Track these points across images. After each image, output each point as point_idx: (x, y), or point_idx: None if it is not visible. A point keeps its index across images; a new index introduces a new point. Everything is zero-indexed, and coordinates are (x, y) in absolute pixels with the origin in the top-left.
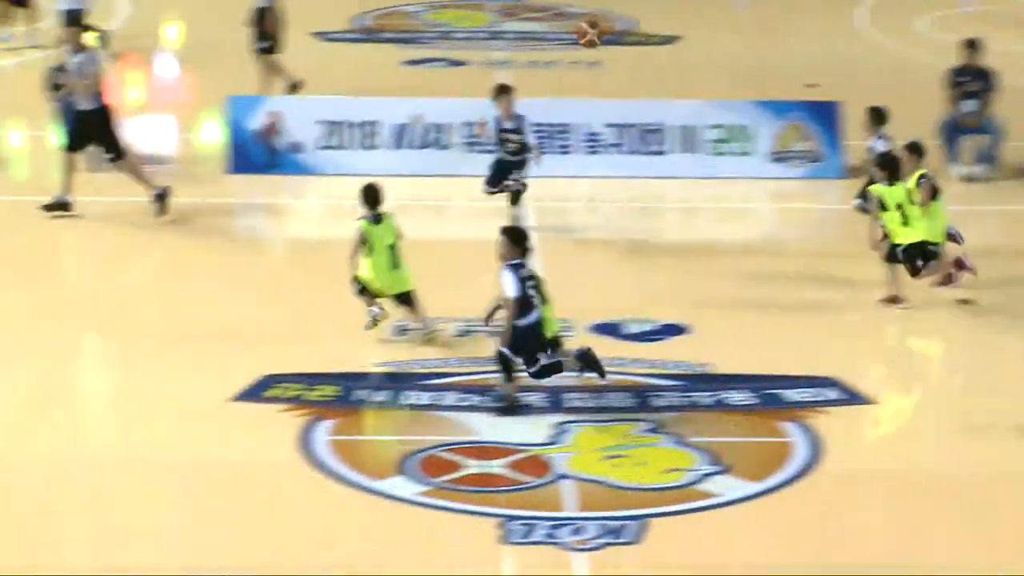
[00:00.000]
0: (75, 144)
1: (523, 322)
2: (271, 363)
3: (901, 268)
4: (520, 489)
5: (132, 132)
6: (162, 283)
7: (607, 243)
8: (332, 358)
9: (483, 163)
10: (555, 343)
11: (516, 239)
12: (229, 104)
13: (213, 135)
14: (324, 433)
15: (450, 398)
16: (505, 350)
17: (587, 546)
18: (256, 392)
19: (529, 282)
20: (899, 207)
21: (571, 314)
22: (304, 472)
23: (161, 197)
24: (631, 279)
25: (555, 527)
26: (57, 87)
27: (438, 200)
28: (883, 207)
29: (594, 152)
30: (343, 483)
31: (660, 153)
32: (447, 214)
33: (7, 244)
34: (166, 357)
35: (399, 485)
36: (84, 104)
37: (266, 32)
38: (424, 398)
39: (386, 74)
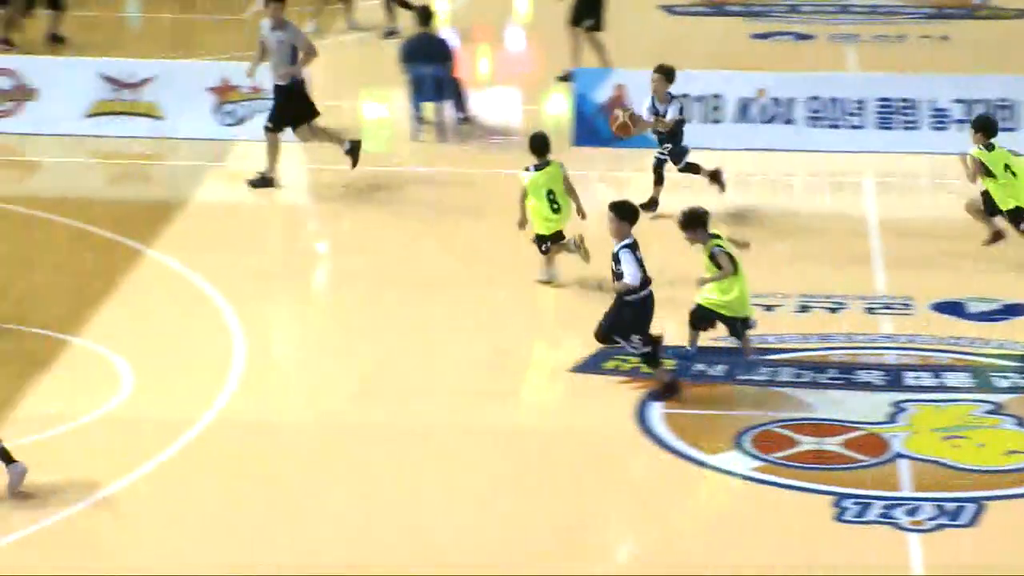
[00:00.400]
0: (278, 122)
1: (636, 297)
2: None
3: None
4: (856, 467)
5: (480, 103)
6: (500, 252)
7: (951, 221)
8: (668, 332)
9: (827, 138)
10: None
11: (625, 215)
12: (575, 76)
13: (559, 108)
14: (660, 406)
15: (786, 374)
16: (638, 346)
17: (923, 527)
18: (595, 363)
19: (641, 258)
20: (1007, 168)
21: (913, 292)
22: (641, 445)
23: (265, 182)
24: (974, 258)
25: (890, 507)
26: (408, 60)
27: (781, 175)
28: (987, 172)
29: (941, 128)
30: (678, 456)
31: (1010, 130)
32: (790, 189)
33: (353, 214)
34: (506, 328)
35: (733, 460)
36: (281, 79)
37: (593, 8)
38: (761, 373)
39: (733, 47)
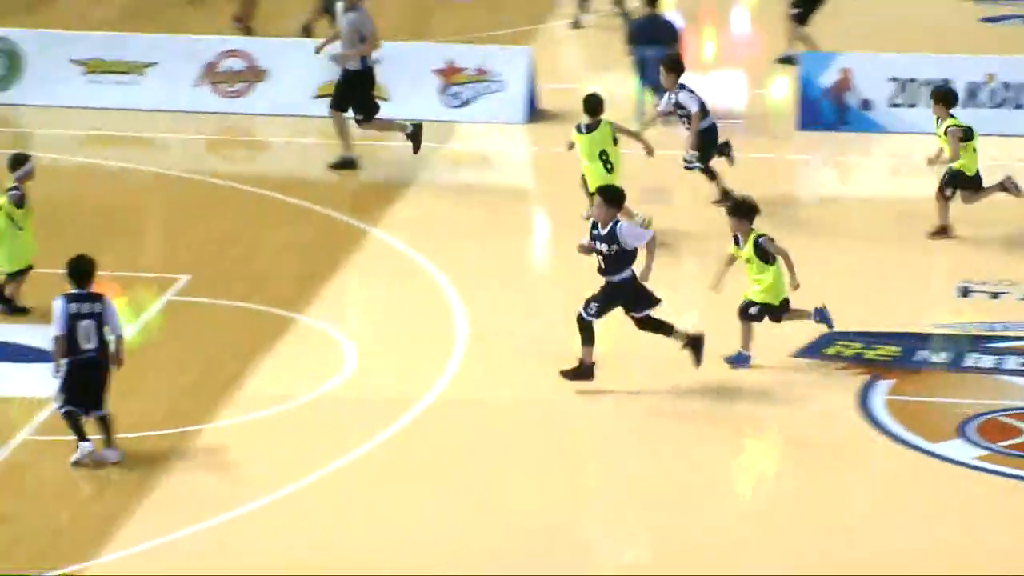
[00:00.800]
0: (342, 103)
1: (618, 278)
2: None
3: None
4: None
5: (705, 86)
6: (720, 234)
7: None
8: (893, 318)
9: None
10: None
11: (612, 199)
12: (801, 60)
13: (784, 91)
14: (882, 393)
15: (1012, 362)
16: (585, 314)
17: None
18: (817, 349)
19: None
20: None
21: None
22: (863, 431)
23: (414, 135)
24: None
25: None
26: (634, 42)
27: (1012, 160)
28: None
29: None
30: (900, 443)
31: None
32: (1020, 175)
33: (574, 195)
34: (728, 312)
35: (956, 448)
36: (351, 63)
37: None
38: (986, 361)
39: (962, 31)
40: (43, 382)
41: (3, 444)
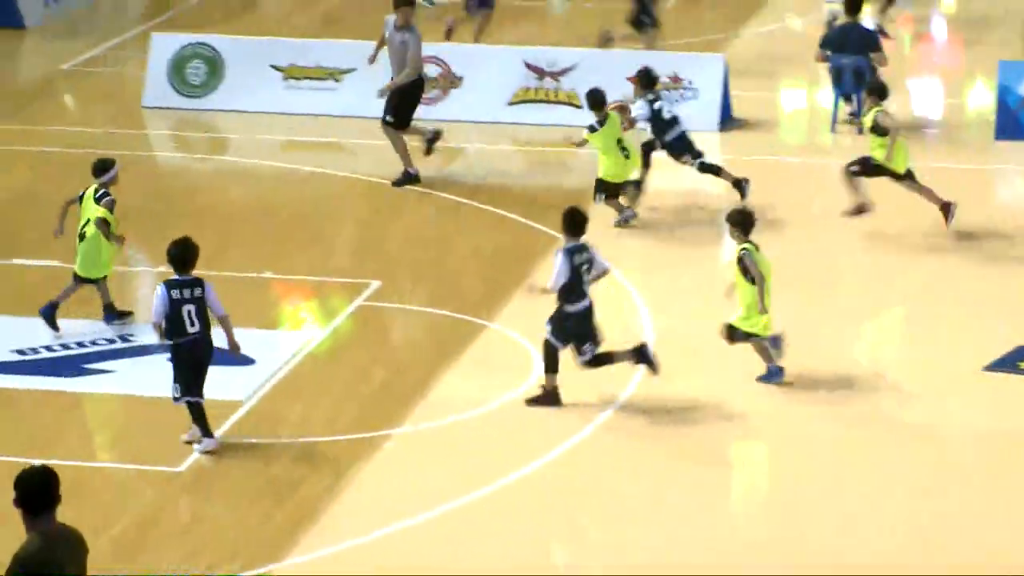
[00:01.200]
0: (400, 116)
1: (572, 308)
2: None
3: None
4: None
5: (902, 95)
6: (919, 245)
7: None
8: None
9: None
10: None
11: (571, 222)
12: (1000, 69)
13: (983, 100)
14: None
15: None
16: (552, 339)
17: None
18: (1011, 361)
19: (584, 267)
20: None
21: None
22: None
23: (409, 178)
24: None
25: None
26: (832, 50)
27: None
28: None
29: None
30: None
31: None
32: None
33: (768, 204)
34: (920, 322)
35: None
36: (401, 78)
37: None
38: None
39: None
40: (232, 385)
41: (191, 446)
